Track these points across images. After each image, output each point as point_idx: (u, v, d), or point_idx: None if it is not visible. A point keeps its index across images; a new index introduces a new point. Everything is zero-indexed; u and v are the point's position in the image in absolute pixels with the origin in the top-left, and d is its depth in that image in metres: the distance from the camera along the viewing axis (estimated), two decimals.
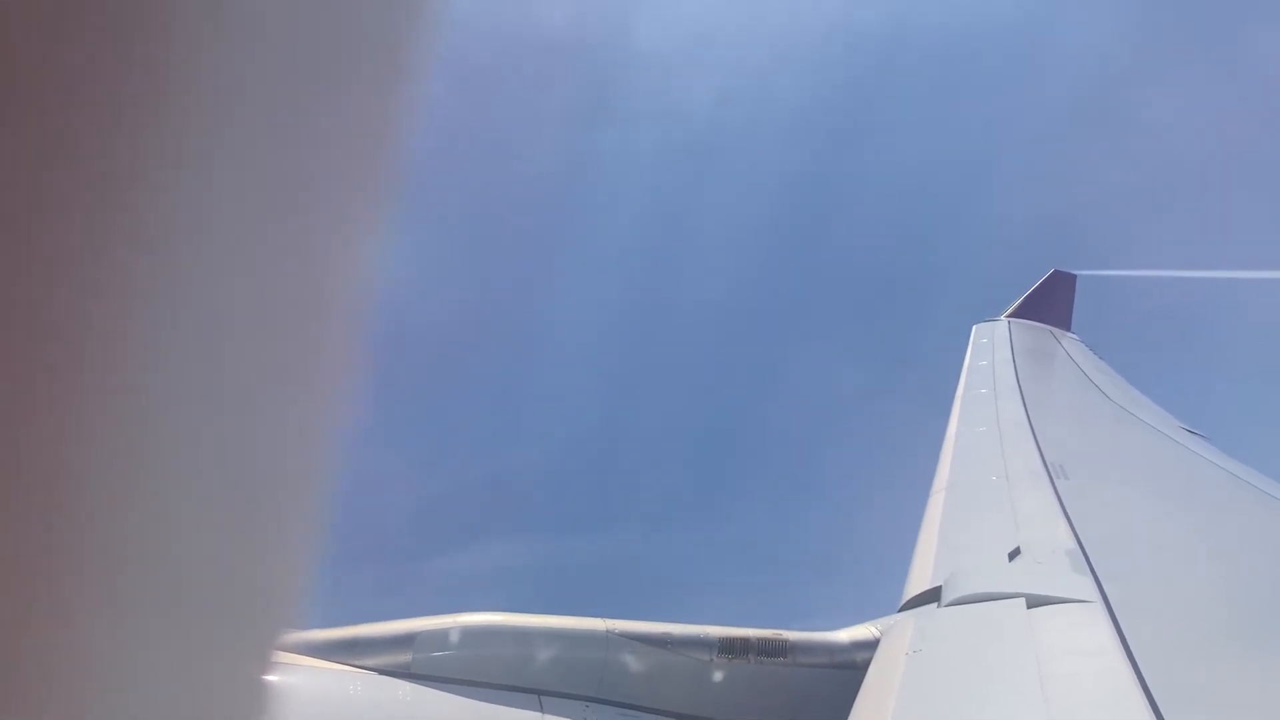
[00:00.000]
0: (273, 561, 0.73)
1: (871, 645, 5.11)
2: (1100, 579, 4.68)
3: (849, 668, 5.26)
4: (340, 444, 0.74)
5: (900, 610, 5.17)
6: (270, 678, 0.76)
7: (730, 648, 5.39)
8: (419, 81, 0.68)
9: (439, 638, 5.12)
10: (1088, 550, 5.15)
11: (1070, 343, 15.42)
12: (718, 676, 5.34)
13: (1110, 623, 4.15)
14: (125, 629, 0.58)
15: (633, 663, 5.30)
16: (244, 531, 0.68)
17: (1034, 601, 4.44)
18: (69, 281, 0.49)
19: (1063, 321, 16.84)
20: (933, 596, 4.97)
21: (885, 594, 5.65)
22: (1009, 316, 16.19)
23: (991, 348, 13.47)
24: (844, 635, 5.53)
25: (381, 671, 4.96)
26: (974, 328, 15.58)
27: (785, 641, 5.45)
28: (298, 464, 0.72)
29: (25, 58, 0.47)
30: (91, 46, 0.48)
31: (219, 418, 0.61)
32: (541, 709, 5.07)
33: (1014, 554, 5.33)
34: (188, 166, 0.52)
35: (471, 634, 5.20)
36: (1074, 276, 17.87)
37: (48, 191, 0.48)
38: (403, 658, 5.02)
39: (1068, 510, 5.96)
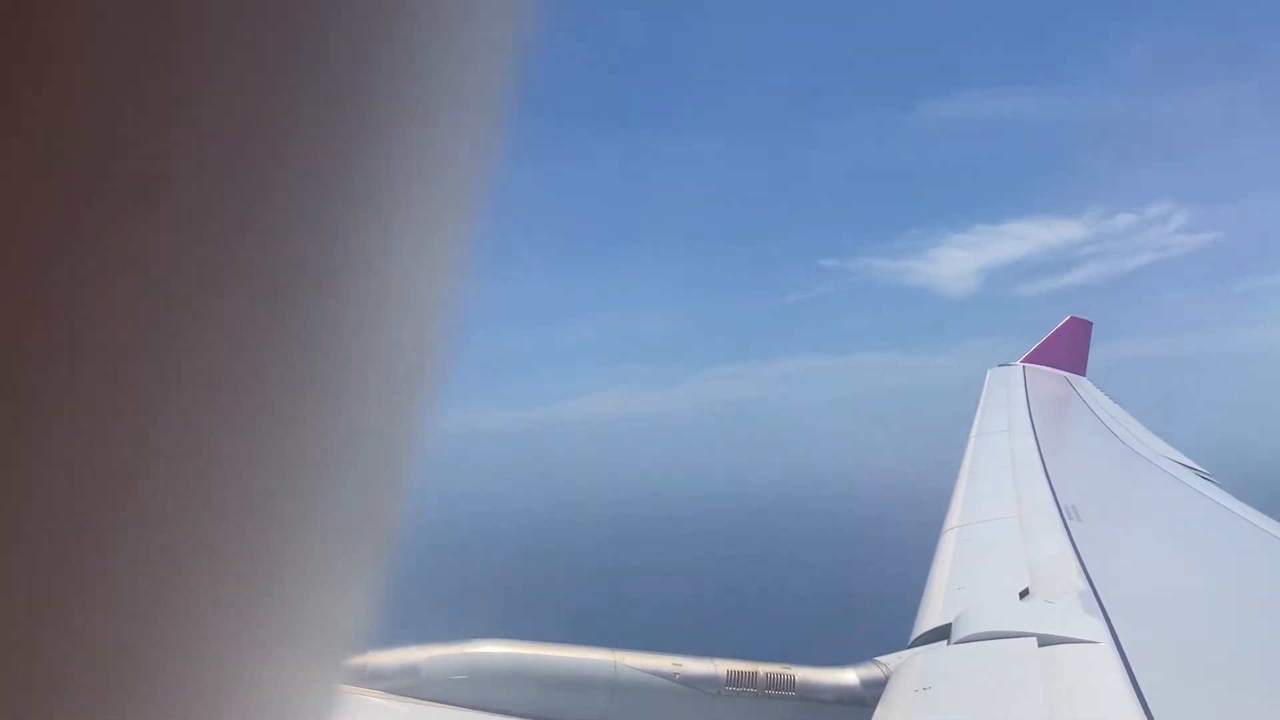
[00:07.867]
0: (339, 583, 0.69)
1: (880, 683, 5.06)
2: (1112, 620, 4.64)
3: (857, 704, 5.20)
4: (419, 454, 0.70)
5: (909, 647, 5.13)
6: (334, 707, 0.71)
7: (738, 681, 5.34)
8: (506, 95, 0.65)
9: (443, 666, 5.09)
10: (1099, 591, 5.12)
11: (1085, 387, 15.44)
12: (725, 710, 5.29)
13: (1121, 664, 4.12)
14: (191, 635, 0.56)
15: (639, 695, 5.26)
16: (310, 549, 0.64)
17: (1045, 641, 4.40)
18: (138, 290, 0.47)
19: (1078, 367, 16.90)
20: (942, 634, 4.92)
21: (895, 631, 5.61)
22: (1024, 361, 16.26)
23: (1006, 390, 13.52)
24: (852, 672, 5.47)
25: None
26: (989, 371, 15.66)
27: (793, 677, 5.40)
28: (380, 475, 0.68)
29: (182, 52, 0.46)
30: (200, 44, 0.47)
31: (294, 427, 0.58)
32: None
33: (1025, 593, 5.29)
34: (214, 173, 0.50)
35: (477, 663, 5.16)
36: (1089, 323, 17.93)
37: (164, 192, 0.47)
38: (407, 685, 4.98)
39: (1080, 551, 5.93)
